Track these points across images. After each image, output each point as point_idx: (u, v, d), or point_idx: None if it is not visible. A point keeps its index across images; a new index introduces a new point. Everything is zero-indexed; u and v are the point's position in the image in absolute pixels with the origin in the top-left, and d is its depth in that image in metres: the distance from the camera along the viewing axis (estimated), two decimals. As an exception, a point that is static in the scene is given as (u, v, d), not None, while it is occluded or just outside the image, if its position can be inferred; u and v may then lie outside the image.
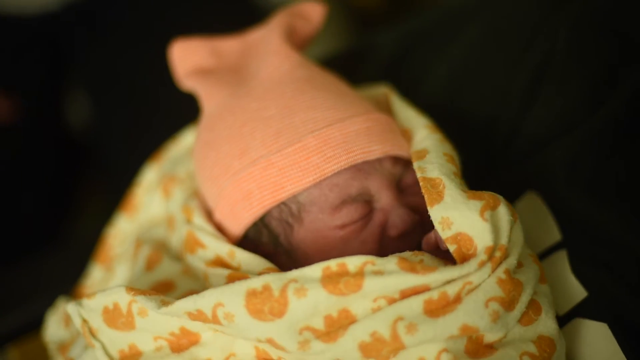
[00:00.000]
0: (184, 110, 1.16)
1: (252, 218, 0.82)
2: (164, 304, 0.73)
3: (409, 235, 0.80)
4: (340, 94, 0.85)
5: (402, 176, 0.84)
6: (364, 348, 0.67)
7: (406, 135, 0.87)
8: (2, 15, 1.66)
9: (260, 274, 0.76)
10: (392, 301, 0.68)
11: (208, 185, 0.86)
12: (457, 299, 0.68)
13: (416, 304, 0.68)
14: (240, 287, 0.70)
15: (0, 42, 1.68)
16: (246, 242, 0.84)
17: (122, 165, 1.67)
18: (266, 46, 0.90)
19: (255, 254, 0.80)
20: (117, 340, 0.76)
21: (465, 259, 0.71)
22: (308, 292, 0.68)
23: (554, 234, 0.80)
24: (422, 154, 0.81)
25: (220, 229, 0.85)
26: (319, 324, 0.68)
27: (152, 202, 1.01)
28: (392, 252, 0.75)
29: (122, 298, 0.75)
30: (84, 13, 1.68)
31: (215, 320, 0.71)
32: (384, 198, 0.82)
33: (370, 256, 0.69)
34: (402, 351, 0.68)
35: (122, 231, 1.03)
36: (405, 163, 0.84)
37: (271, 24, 0.93)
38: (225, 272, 0.78)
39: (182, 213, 0.88)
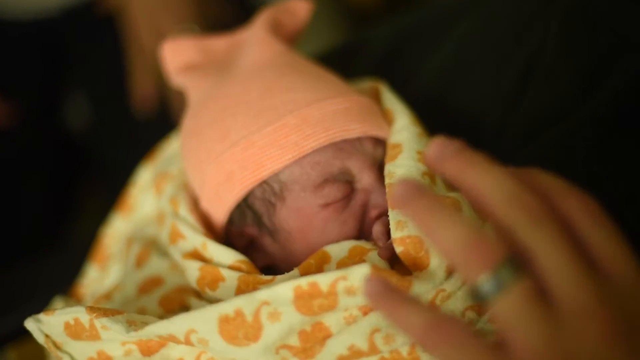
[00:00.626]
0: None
1: (235, 199, 0.83)
2: (131, 324, 0.72)
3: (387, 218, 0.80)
4: (321, 77, 0.87)
5: (383, 158, 0.84)
6: None
7: (388, 117, 0.88)
8: (2, 18, 1.66)
9: (230, 267, 0.77)
10: (366, 311, 0.68)
11: (193, 172, 0.87)
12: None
13: None
14: (212, 314, 0.69)
15: (0, 45, 1.69)
16: (232, 227, 0.85)
17: (120, 166, 1.67)
18: (251, 39, 0.92)
19: (226, 247, 0.80)
20: (84, 349, 0.76)
21: (415, 262, 0.71)
22: (282, 316, 0.67)
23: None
24: (395, 153, 0.81)
25: (207, 217, 0.86)
26: (294, 341, 0.68)
27: (146, 201, 1.02)
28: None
29: (83, 316, 0.75)
30: (84, 16, 1.69)
31: (188, 343, 0.71)
32: (365, 178, 0.82)
33: (341, 271, 0.68)
34: None
35: (117, 231, 1.04)
36: (386, 145, 0.84)
37: (257, 19, 0.94)
38: (197, 264, 0.79)
39: (170, 205, 0.89)
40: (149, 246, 0.91)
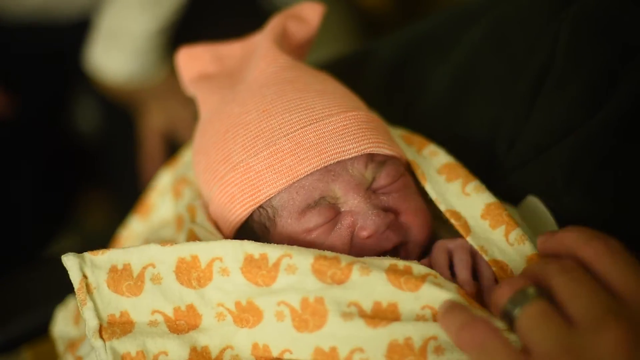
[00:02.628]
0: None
1: (238, 220, 0.84)
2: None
3: (384, 234, 0.81)
4: (323, 93, 0.85)
5: (376, 175, 0.83)
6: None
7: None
8: (15, 23, 1.69)
9: None
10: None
11: (203, 188, 0.89)
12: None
13: None
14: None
15: (9, 47, 1.71)
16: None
17: (129, 171, 1.71)
18: (258, 50, 0.92)
19: None
20: (111, 303, 0.76)
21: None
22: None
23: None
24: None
25: (217, 229, 0.87)
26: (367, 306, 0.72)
27: (163, 204, 1.03)
28: (369, 253, 0.79)
29: (139, 259, 0.75)
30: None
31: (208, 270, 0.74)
32: (350, 200, 0.81)
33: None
34: None
35: (134, 232, 1.05)
36: (383, 160, 0.83)
37: (266, 27, 0.94)
38: None
39: (187, 212, 0.91)
40: None
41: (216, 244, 0.75)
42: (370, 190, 0.82)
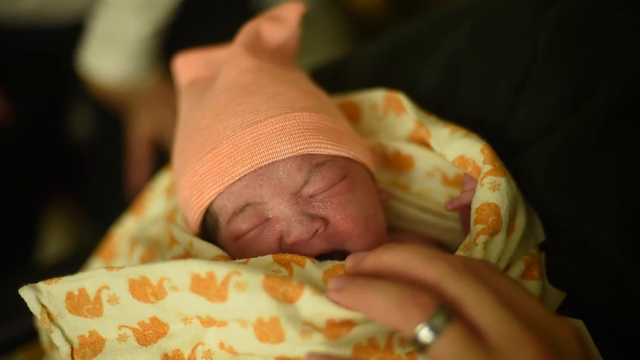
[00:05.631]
0: None
1: (194, 222, 0.85)
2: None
3: (310, 242, 0.79)
4: (274, 95, 0.84)
5: (310, 177, 0.80)
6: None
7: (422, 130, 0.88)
8: (13, 27, 1.69)
9: (213, 259, 0.77)
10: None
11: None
12: None
13: None
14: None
15: (8, 51, 1.71)
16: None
17: (115, 175, 1.72)
18: (229, 55, 0.92)
19: (209, 243, 0.82)
20: (77, 325, 0.75)
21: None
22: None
23: (540, 234, 0.81)
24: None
25: None
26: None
27: (156, 204, 1.05)
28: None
29: (92, 284, 0.74)
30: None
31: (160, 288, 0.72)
32: (275, 206, 0.79)
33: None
34: None
35: (128, 231, 1.06)
36: (321, 162, 0.81)
37: (239, 32, 0.94)
38: None
39: (173, 212, 0.93)
40: (153, 248, 0.92)
41: (161, 266, 0.71)
42: (299, 195, 0.80)
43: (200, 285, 0.69)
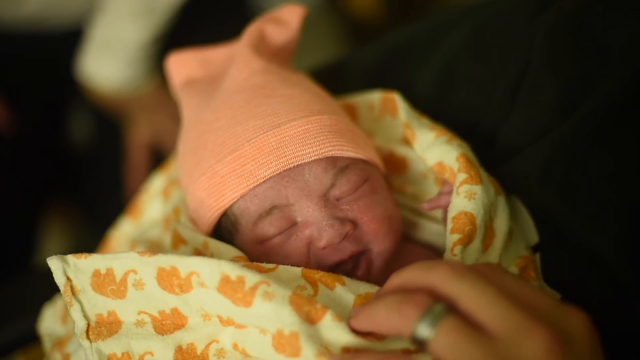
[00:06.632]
0: None
1: (208, 224, 0.85)
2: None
3: (340, 245, 0.79)
4: (290, 97, 0.85)
5: (336, 181, 0.81)
6: None
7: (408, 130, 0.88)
8: (13, 32, 1.70)
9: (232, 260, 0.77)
10: None
11: (183, 191, 0.91)
12: None
13: None
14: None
15: (8, 57, 1.72)
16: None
17: (113, 181, 1.72)
18: (235, 56, 0.92)
19: (226, 244, 0.82)
20: (98, 304, 0.76)
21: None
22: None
23: (533, 236, 0.82)
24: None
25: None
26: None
27: (153, 206, 1.05)
28: (328, 262, 0.78)
29: (121, 265, 0.75)
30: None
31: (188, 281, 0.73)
32: (304, 208, 0.79)
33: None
34: None
35: (124, 234, 1.06)
36: (345, 165, 0.82)
37: (244, 33, 0.94)
38: None
39: (173, 213, 0.92)
40: (153, 250, 0.91)
41: (193, 260, 0.73)
42: (327, 198, 0.80)
43: (227, 287, 0.71)
